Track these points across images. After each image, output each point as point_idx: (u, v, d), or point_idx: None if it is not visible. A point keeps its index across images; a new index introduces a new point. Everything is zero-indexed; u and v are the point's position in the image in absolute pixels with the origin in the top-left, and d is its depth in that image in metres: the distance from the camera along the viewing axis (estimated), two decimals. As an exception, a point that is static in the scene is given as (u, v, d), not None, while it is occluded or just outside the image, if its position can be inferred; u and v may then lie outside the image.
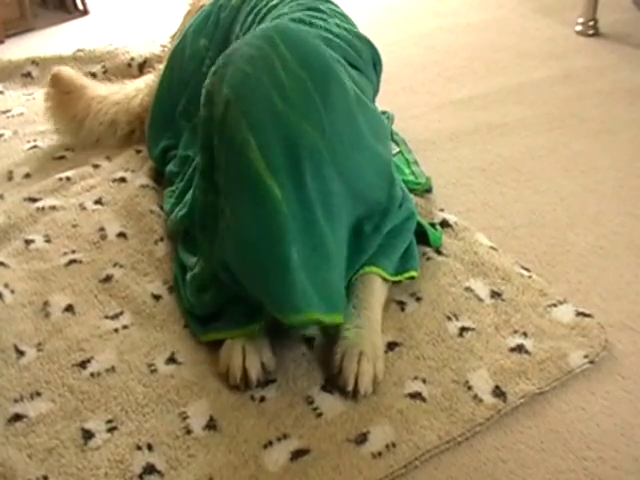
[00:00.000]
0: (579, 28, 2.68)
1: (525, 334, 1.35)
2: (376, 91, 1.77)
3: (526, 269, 1.51)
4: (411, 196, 1.62)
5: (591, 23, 2.66)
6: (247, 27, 1.71)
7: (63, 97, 2.10)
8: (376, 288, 1.41)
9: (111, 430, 1.19)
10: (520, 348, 1.32)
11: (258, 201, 1.24)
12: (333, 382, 1.26)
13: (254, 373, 1.26)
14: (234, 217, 1.27)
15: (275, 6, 1.69)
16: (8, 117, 2.28)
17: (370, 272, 1.41)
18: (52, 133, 2.13)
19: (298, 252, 1.23)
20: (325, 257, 1.28)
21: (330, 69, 1.35)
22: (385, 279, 1.43)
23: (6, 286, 1.50)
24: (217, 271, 1.35)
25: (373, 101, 1.71)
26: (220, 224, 1.32)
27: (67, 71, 2.13)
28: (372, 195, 1.44)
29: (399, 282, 1.47)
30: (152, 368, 1.31)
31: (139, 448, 1.16)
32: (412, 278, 1.48)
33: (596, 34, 2.66)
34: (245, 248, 1.25)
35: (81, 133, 2.06)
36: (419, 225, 1.57)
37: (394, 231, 1.47)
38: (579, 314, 1.38)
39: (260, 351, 1.30)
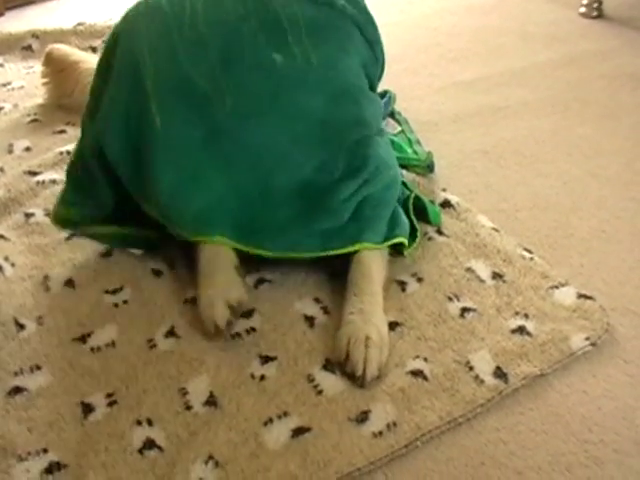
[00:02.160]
0: (583, 10, 2.67)
1: (527, 316, 1.34)
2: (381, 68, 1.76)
3: (528, 251, 1.51)
4: (401, 171, 1.63)
5: (595, 5, 2.64)
6: None
7: (57, 75, 2.11)
8: (374, 272, 1.40)
9: (111, 404, 1.19)
10: (521, 330, 1.31)
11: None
12: (340, 368, 1.25)
13: (221, 321, 1.29)
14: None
15: None
16: (8, 90, 2.26)
17: (359, 248, 1.40)
18: (52, 107, 2.11)
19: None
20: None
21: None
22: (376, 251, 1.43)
23: (6, 259, 1.49)
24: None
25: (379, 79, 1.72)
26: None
27: (60, 49, 2.14)
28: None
29: (391, 250, 1.48)
30: (152, 343, 1.31)
31: (139, 423, 1.15)
32: (401, 245, 1.47)
33: (600, 16, 2.65)
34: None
35: (73, 107, 2.05)
36: (418, 200, 1.57)
37: (374, 200, 1.44)
38: (581, 297, 1.38)
39: (227, 295, 1.32)
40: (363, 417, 1.17)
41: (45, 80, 2.14)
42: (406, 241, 1.47)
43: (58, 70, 2.10)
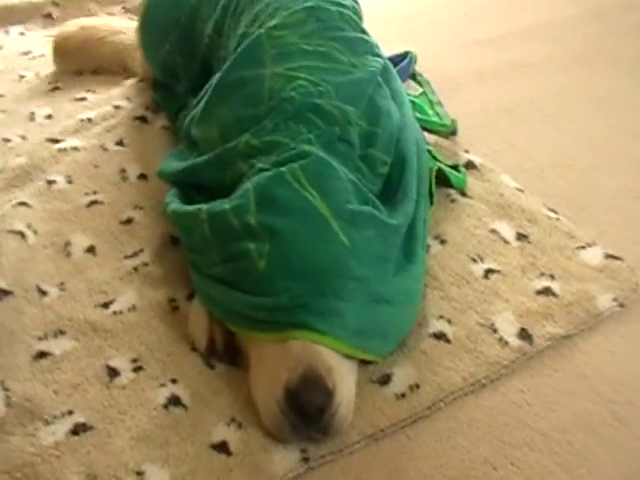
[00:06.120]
0: (609, -36, 2.59)
1: (552, 276, 1.32)
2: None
3: (553, 211, 1.48)
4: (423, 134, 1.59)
5: (622, -41, 2.56)
6: None
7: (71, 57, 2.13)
8: None
9: (137, 370, 1.19)
10: (547, 291, 1.30)
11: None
12: None
13: (220, 343, 1.20)
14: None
15: None
16: (29, 58, 2.26)
17: None
18: (73, 74, 2.11)
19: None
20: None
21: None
22: None
23: (29, 226, 1.48)
24: None
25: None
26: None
27: (70, 38, 2.12)
28: None
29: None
30: (174, 305, 1.31)
31: (164, 385, 1.16)
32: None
33: (630, -31, 2.57)
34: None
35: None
36: (440, 171, 1.54)
37: None
38: (608, 257, 1.35)
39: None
40: (385, 379, 1.16)
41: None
42: None
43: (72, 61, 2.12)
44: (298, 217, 1.13)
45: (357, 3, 1.59)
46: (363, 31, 1.49)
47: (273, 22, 1.42)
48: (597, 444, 1.07)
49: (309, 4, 1.45)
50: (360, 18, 1.55)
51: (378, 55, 1.46)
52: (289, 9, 1.44)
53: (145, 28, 1.93)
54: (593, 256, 1.36)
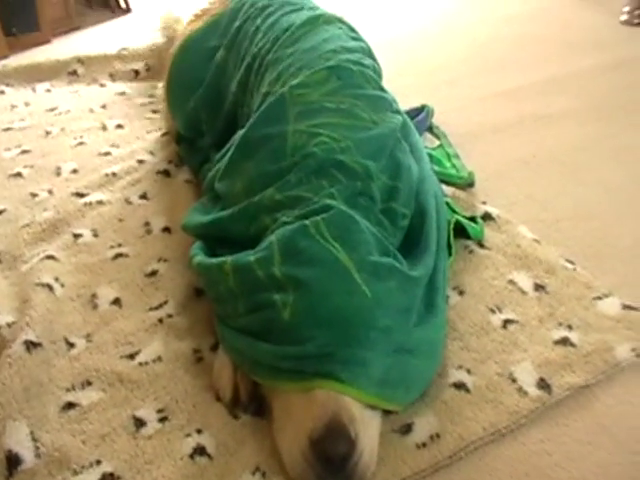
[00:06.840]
0: (624, 18, 2.66)
1: (570, 327, 1.34)
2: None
3: (570, 262, 1.50)
4: (441, 186, 1.62)
5: (637, 12, 2.62)
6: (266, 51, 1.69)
7: None
8: None
9: (162, 420, 1.21)
10: (565, 341, 1.31)
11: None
12: None
13: (245, 393, 1.22)
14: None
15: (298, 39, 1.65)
16: (55, 114, 2.34)
17: None
18: (96, 130, 2.18)
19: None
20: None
21: None
22: None
23: (56, 280, 1.52)
24: None
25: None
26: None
27: None
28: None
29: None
30: (198, 355, 1.33)
31: (189, 435, 1.18)
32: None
33: (642, 23, 2.63)
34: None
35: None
36: (458, 223, 1.57)
37: None
38: (626, 307, 1.36)
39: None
40: (406, 428, 1.17)
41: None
42: None
43: None
44: (322, 268, 1.16)
45: (377, 62, 1.65)
46: (382, 89, 1.54)
47: (296, 81, 1.47)
48: (618, 495, 1.07)
49: (331, 63, 1.50)
50: (380, 76, 1.60)
51: (397, 111, 1.51)
52: (311, 68, 1.50)
53: (171, 85, 2.00)
54: (610, 306, 1.37)
